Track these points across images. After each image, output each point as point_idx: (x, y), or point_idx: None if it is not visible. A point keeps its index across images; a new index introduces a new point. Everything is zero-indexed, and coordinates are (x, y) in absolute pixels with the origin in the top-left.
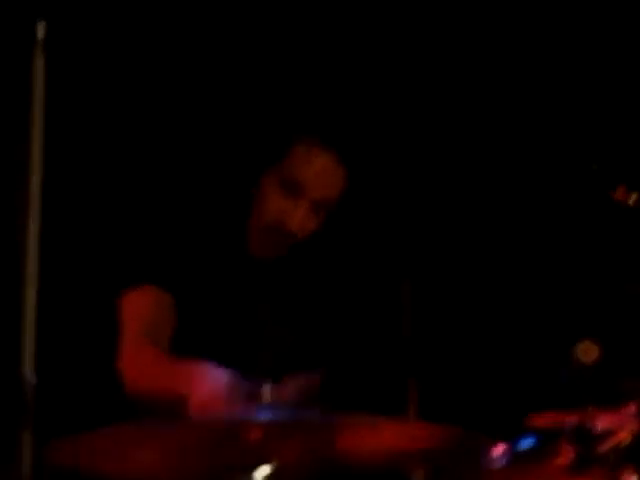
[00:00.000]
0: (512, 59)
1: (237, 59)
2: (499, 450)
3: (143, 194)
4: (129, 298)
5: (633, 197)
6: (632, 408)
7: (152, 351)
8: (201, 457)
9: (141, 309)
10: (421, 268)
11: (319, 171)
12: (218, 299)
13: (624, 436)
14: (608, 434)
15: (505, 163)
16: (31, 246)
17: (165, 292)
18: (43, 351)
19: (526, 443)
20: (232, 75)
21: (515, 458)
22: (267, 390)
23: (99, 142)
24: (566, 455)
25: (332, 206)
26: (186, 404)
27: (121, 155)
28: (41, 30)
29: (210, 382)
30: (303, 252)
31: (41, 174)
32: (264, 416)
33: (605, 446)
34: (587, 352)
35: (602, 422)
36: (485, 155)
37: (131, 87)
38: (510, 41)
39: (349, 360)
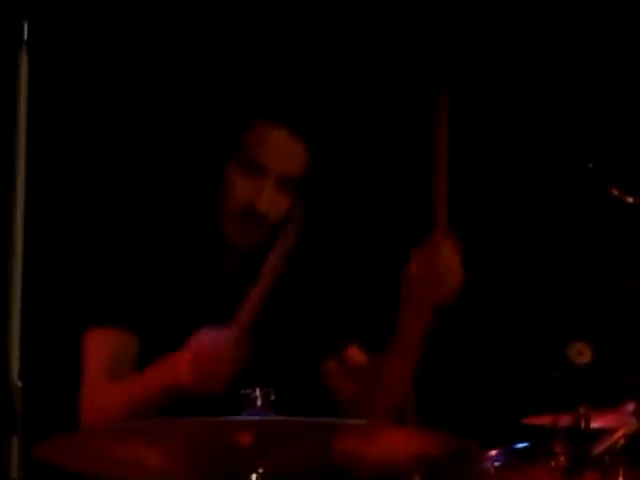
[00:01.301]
0: (514, 58)
1: (191, 43)
2: (493, 453)
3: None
4: (93, 337)
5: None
6: (628, 407)
7: (113, 385)
8: (189, 459)
9: (103, 350)
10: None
11: (276, 147)
12: (200, 297)
13: (619, 437)
14: (603, 435)
15: (495, 160)
16: (16, 249)
17: (128, 331)
18: (27, 359)
19: (520, 446)
20: (185, 59)
21: (509, 461)
22: (258, 394)
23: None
24: (560, 457)
25: (299, 182)
26: (183, 389)
27: (96, 158)
28: (25, 30)
29: (206, 344)
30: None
31: (24, 181)
32: (256, 419)
33: (599, 447)
34: (580, 353)
35: (596, 422)
36: (480, 154)
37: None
38: (511, 40)
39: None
